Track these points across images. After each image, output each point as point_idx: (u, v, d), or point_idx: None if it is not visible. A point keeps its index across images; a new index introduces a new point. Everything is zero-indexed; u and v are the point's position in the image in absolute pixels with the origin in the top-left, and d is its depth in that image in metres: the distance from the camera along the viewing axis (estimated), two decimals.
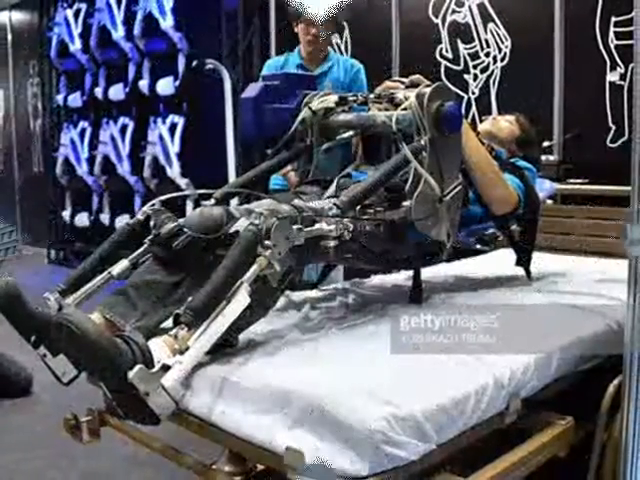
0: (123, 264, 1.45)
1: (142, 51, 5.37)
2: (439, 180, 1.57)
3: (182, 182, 5.06)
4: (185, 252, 1.42)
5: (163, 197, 1.59)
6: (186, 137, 5.04)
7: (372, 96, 1.77)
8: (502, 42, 3.50)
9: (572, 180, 2.95)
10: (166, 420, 1.18)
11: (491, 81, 3.56)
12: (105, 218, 5.98)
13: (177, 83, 5.04)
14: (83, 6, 5.94)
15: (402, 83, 1.77)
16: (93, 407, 1.46)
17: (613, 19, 3.06)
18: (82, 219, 6.27)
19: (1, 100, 7.58)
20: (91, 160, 6.03)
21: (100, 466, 2.28)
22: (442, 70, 3.72)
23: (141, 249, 1.47)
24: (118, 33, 5.45)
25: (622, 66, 3.05)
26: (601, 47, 3.11)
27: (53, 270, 6.23)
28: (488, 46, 3.56)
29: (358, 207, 1.46)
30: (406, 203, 1.54)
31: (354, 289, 1.88)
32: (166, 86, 5.10)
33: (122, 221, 4.87)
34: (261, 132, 1.82)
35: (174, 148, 5.09)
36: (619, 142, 3.07)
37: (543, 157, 2.55)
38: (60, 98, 6.37)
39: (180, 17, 4.93)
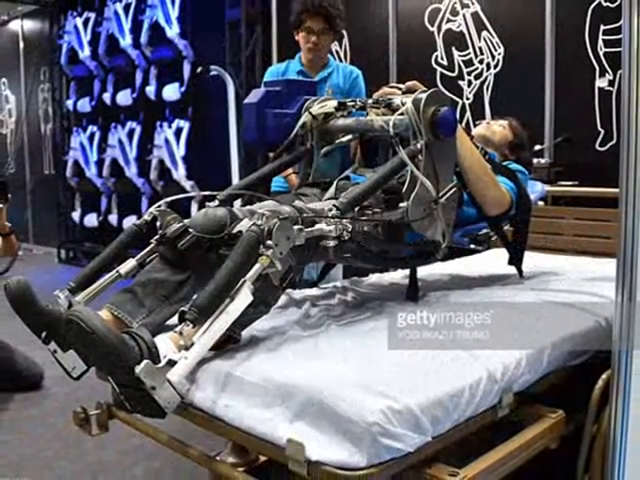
0: (130, 263, 1.47)
1: (149, 58, 5.43)
2: (435, 182, 1.58)
3: (187, 184, 5.12)
4: (190, 252, 1.43)
5: (169, 199, 1.60)
6: (191, 141, 5.10)
7: (370, 101, 1.77)
8: (495, 49, 3.54)
9: (562, 182, 2.96)
10: (172, 413, 1.19)
11: (485, 87, 3.60)
12: (113, 219, 6.04)
13: (182, 89, 5.10)
14: (92, 15, 6.02)
15: (399, 89, 1.78)
16: (102, 401, 1.48)
17: (602, 27, 3.09)
18: (91, 220, 6.34)
19: (13, 105, 7.67)
20: (100, 163, 6.11)
21: (108, 457, 2.31)
22: (437, 76, 3.75)
23: (148, 249, 1.49)
24: (126, 41, 5.52)
25: (611, 73, 3.07)
26: (590, 54, 3.15)
27: (63, 269, 6.28)
28: (482, 53, 3.60)
29: (357, 208, 1.47)
30: (403, 204, 1.56)
31: (353, 287, 1.89)
32: (172, 92, 5.16)
33: (129, 222, 4.91)
34: (263, 136, 1.84)
35: (179, 151, 5.15)
36: (608, 146, 3.10)
37: (534, 160, 2.58)
38: (70, 103, 6.45)
39: (185, 26, 5.01)
